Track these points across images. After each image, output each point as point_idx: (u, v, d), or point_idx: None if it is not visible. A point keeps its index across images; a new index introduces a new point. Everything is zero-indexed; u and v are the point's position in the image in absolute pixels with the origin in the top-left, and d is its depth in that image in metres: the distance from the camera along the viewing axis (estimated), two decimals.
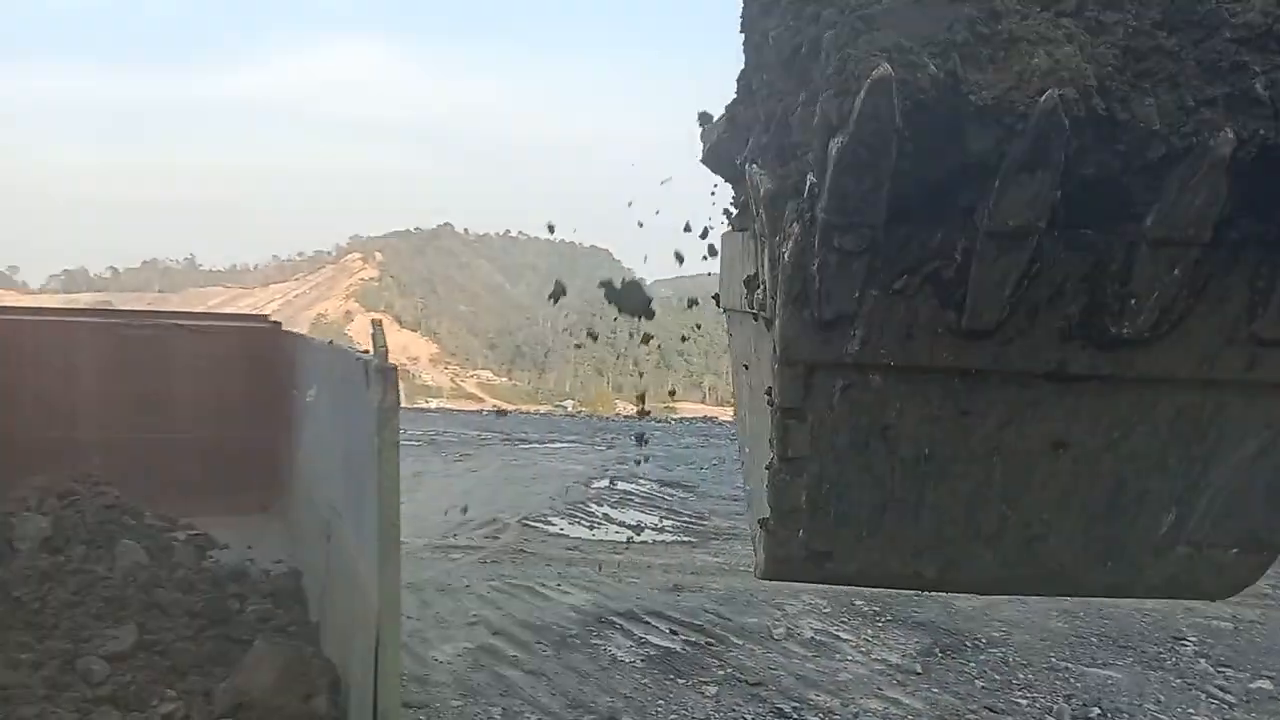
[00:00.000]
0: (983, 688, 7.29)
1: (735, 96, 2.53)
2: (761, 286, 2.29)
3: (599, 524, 13.38)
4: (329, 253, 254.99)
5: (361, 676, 3.49)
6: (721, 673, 7.40)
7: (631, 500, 15.11)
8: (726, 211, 2.94)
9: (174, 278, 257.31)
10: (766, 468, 2.35)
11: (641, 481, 16.85)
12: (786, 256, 2.05)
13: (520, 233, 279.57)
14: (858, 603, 9.04)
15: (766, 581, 2.69)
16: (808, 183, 2.02)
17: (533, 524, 12.93)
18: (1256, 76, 1.87)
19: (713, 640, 8.14)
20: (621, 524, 13.33)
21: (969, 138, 1.87)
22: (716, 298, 3.25)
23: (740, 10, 2.41)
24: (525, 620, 8.67)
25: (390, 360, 3.06)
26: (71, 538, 5.26)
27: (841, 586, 5.20)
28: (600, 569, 10.53)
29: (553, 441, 23.38)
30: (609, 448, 22.18)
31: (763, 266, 2.26)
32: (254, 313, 14.19)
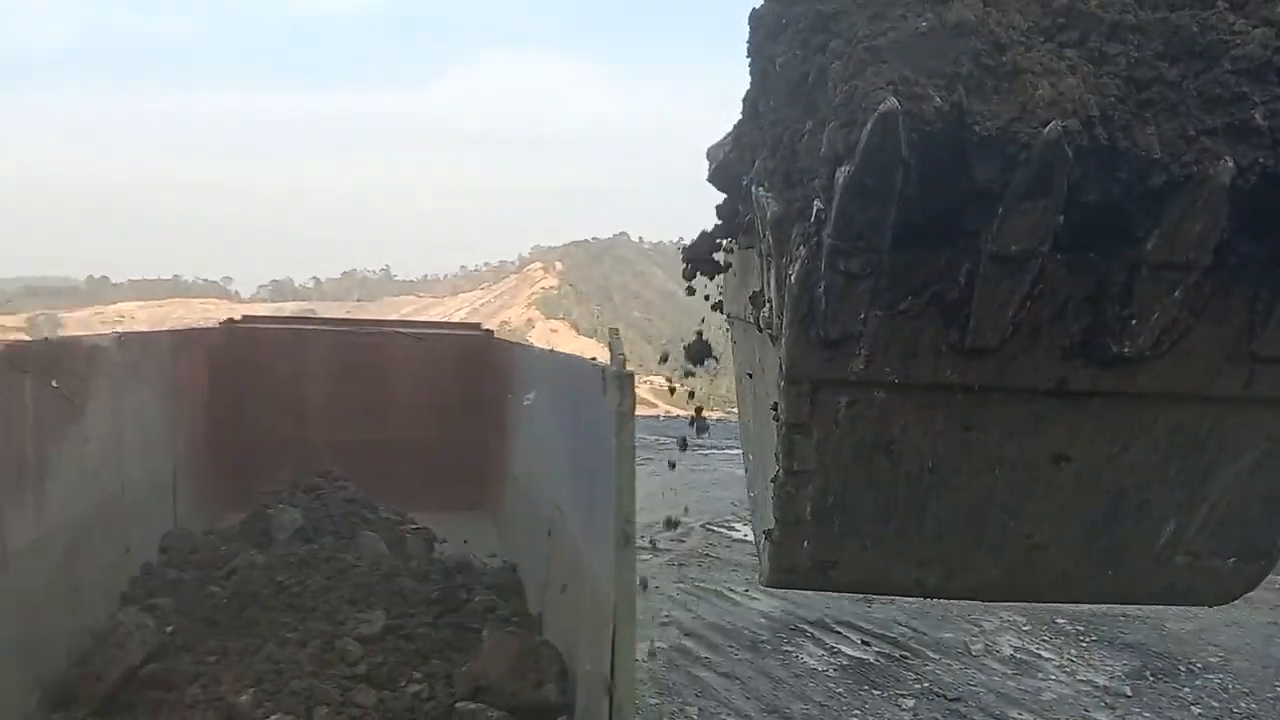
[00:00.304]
0: (1200, 715, 6.93)
1: (741, 117, 2.57)
2: (768, 304, 2.35)
3: None
4: (512, 263, 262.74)
5: (591, 667, 3.67)
6: (918, 686, 7.30)
7: None
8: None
9: (370, 287, 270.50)
10: (772, 480, 2.41)
11: None
12: (793, 278, 2.11)
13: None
14: (1059, 621, 8.72)
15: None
16: (814, 208, 2.06)
17: (716, 529, 13.02)
18: (1256, 107, 1.89)
19: (907, 653, 8.03)
20: None
21: (973, 167, 1.91)
22: (719, 305, 3.32)
23: (747, 34, 2.45)
24: (715, 623, 8.76)
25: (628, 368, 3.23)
26: (320, 528, 5.72)
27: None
28: None
29: (730, 447, 23.41)
30: None
31: (769, 285, 2.32)
32: (468, 321, 14.87)
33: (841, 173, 1.91)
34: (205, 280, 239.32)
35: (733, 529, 13.18)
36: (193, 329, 8.35)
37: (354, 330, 9.07)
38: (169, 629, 4.42)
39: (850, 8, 2.09)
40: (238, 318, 8.83)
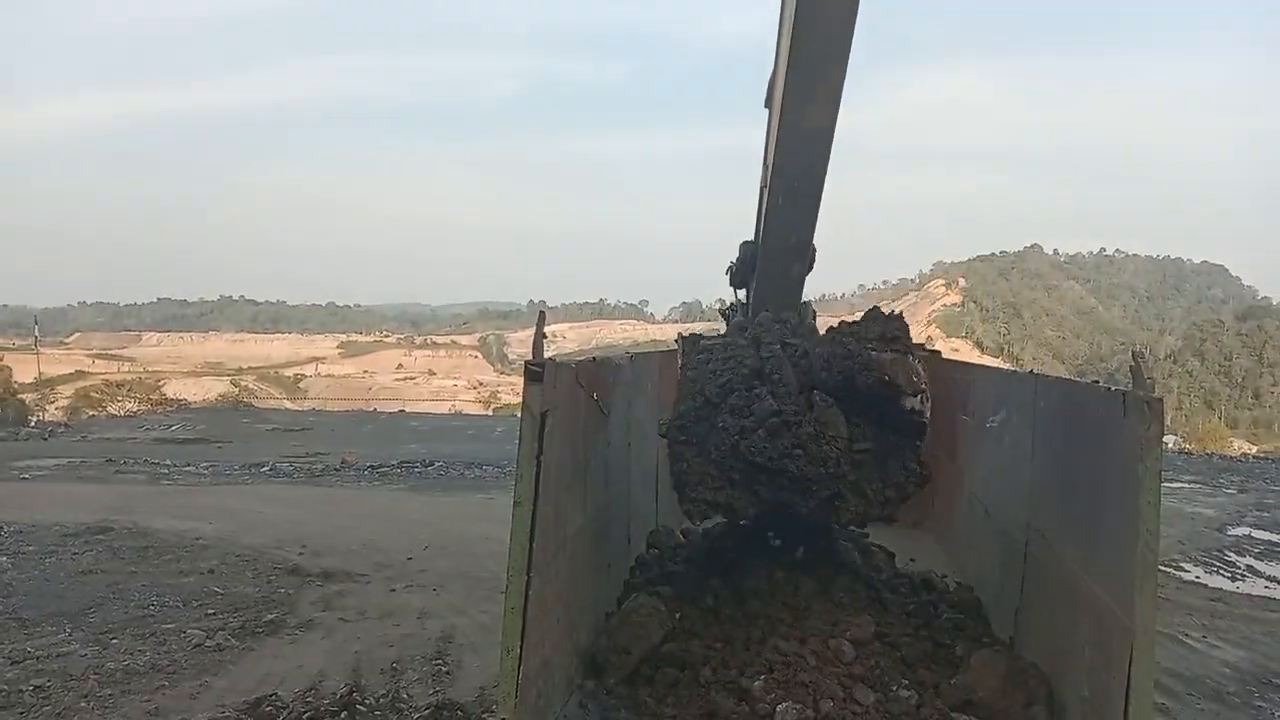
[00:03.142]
0: None
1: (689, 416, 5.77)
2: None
3: (1243, 576, 12.07)
4: (912, 280, 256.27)
5: (1091, 694, 3.66)
6: None
7: None
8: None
9: None
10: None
11: None
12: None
13: (1117, 250, 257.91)
14: None
15: None
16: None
17: (1163, 569, 12.04)
18: None
19: None
20: (1272, 579, 11.90)
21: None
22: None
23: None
24: (1171, 669, 8.16)
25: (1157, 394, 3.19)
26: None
27: None
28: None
29: (1170, 481, 21.48)
30: (1240, 491, 19.85)
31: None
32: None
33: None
34: (626, 303, 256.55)
35: (1182, 570, 12.16)
36: (672, 350, 9.16)
37: None
38: (677, 615, 4.96)
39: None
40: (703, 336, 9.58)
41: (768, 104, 5.42)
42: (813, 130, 5.01)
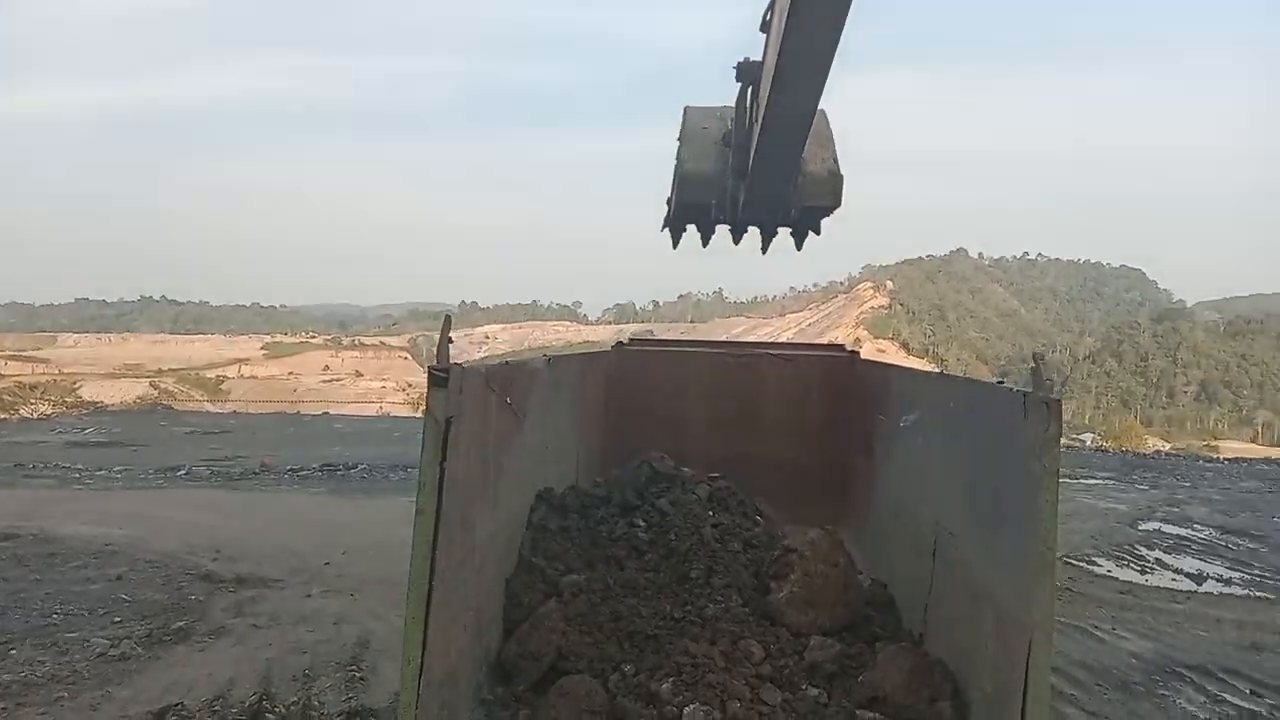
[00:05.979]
0: None
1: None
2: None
3: (1151, 569, 12.46)
4: (841, 283, 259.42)
5: (993, 689, 3.72)
6: None
7: (1188, 546, 13.91)
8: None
9: (704, 309, 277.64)
10: None
11: (1198, 527, 15.46)
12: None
13: (1040, 254, 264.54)
14: None
15: None
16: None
17: (1075, 562, 12.38)
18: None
19: None
20: (1179, 571, 12.30)
21: None
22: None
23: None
24: (1081, 660, 8.37)
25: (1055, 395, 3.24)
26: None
27: None
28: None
29: (1085, 478, 22.05)
30: (1152, 488, 20.48)
31: None
32: (835, 343, 15.13)
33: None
34: (559, 305, 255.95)
35: (1094, 564, 12.49)
36: (594, 352, 9.09)
37: (728, 352, 9.54)
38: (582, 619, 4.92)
39: None
40: (626, 341, 9.64)
41: (764, 29, 5.51)
42: (798, 115, 5.38)
